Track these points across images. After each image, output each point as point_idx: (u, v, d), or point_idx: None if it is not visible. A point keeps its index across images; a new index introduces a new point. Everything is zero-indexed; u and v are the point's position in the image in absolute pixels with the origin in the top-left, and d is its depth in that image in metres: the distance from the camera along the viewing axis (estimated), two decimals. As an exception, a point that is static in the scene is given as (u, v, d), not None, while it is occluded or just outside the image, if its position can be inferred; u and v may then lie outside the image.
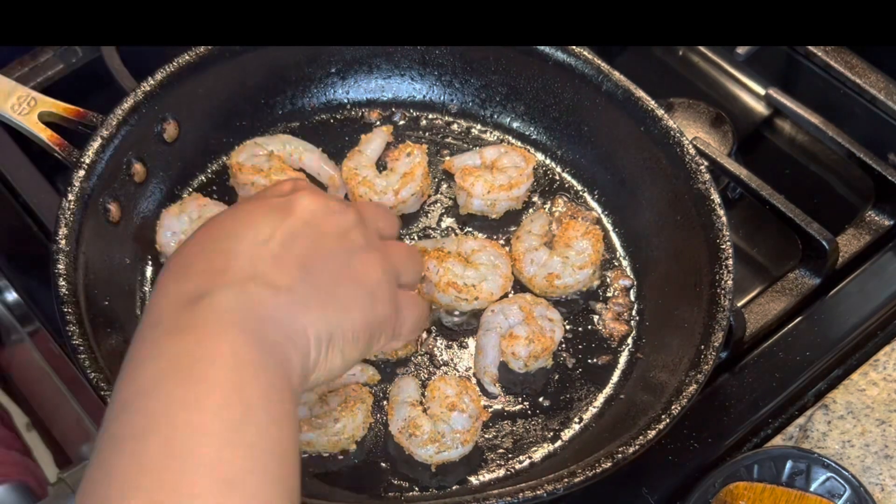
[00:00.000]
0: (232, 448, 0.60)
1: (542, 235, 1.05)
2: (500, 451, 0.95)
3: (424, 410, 0.94)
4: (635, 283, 1.05)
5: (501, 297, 1.02)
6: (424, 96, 1.16)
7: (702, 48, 1.30)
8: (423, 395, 0.96)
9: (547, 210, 1.09)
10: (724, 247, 0.96)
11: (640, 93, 1.06)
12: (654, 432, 0.86)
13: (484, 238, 1.07)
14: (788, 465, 0.91)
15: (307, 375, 0.70)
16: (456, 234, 1.08)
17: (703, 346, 0.91)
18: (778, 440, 0.98)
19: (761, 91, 1.25)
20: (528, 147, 1.13)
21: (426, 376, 0.99)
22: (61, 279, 0.92)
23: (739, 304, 1.06)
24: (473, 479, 0.93)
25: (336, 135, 1.14)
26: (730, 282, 0.94)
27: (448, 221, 1.09)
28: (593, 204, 1.10)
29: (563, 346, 1.01)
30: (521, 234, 1.05)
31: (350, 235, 0.74)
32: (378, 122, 1.15)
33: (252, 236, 0.69)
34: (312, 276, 0.70)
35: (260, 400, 0.63)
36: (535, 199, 1.10)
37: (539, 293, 1.03)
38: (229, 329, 0.64)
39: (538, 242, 1.04)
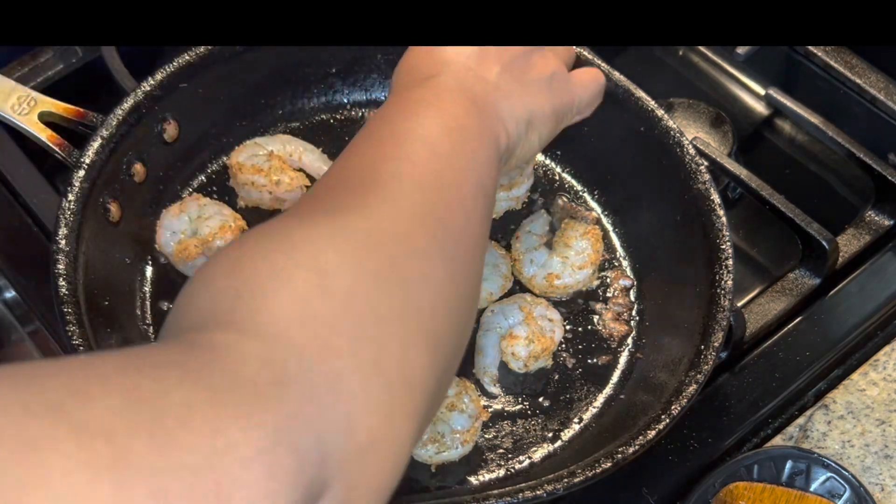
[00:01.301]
0: (445, 135, 0.73)
1: (542, 235, 1.05)
2: (500, 451, 0.95)
3: None
4: (635, 283, 1.05)
5: (501, 297, 1.02)
6: (424, 96, 1.16)
7: (702, 48, 1.30)
8: None
9: (547, 210, 1.09)
10: (724, 247, 0.96)
11: (640, 93, 1.06)
12: (654, 432, 0.86)
13: None
14: (788, 465, 0.91)
15: (511, 152, 0.82)
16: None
17: (703, 346, 0.91)
18: (778, 440, 0.98)
19: (761, 91, 1.25)
20: (528, 147, 1.13)
21: (426, 376, 0.99)
22: (61, 279, 0.92)
23: (739, 304, 1.07)
24: (473, 479, 0.93)
25: (336, 135, 1.14)
26: (730, 282, 0.94)
27: (448, 221, 1.09)
28: (593, 204, 1.11)
29: (563, 346, 1.01)
30: (521, 234, 1.05)
31: None
32: (378, 122, 1.15)
33: (454, 50, 0.84)
34: (508, 71, 0.83)
35: (473, 130, 0.76)
36: (536, 198, 1.10)
37: (539, 293, 1.03)
38: (453, 91, 0.78)
39: (538, 242, 1.04)
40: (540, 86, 0.85)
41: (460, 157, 0.73)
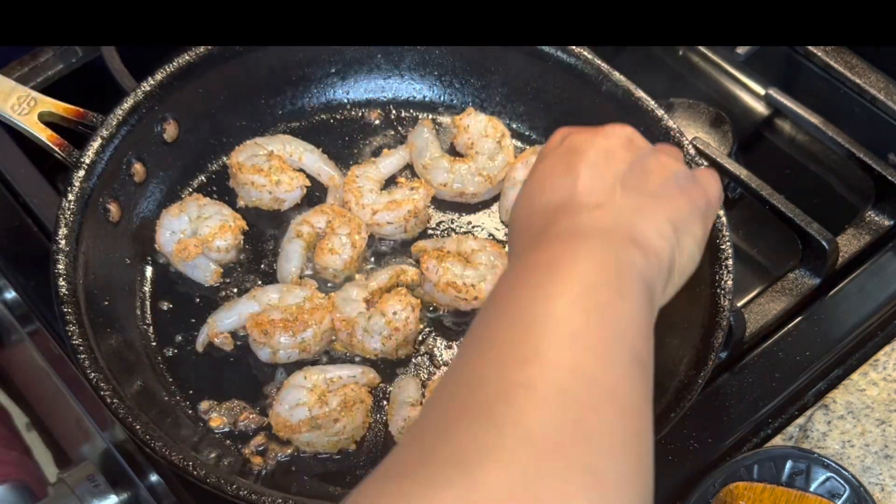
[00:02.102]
0: (580, 311, 0.63)
1: None
2: (500, 451, 0.95)
3: None
4: (635, 283, 1.05)
5: None
6: (424, 96, 1.16)
7: (702, 48, 1.30)
8: (423, 395, 0.96)
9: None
10: (724, 247, 0.96)
11: (640, 93, 1.06)
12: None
13: (484, 238, 1.07)
14: (788, 465, 0.91)
15: (669, 268, 0.73)
16: (455, 234, 1.08)
17: (703, 346, 0.91)
18: (778, 440, 0.98)
19: (761, 91, 1.25)
20: (527, 147, 1.13)
21: (426, 376, 0.99)
22: (61, 279, 0.92)
23: (739, 304, 1.06)
24: (473, 479, 0.93)
25: (336, 135, 1.14)
26: (730, 282, 0.94)
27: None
28: (593, 204, 1.10)
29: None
30: None
31: (634, 142, 0.79)
32: (378, 122, 1.15)
33: (560, 184, 0.75)
34: (628, 187, 0.74)
35: (610, 287, 0.66)
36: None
37: None
38: (566, 242, 0.69)
39: None
40: (670, 189, 0.76)
41: (601, 329, 0.63)
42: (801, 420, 0.99)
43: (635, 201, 0.73)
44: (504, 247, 1.06)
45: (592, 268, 0.66)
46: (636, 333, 0.65)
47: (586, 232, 0.70)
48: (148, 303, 1.02)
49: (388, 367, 0.99)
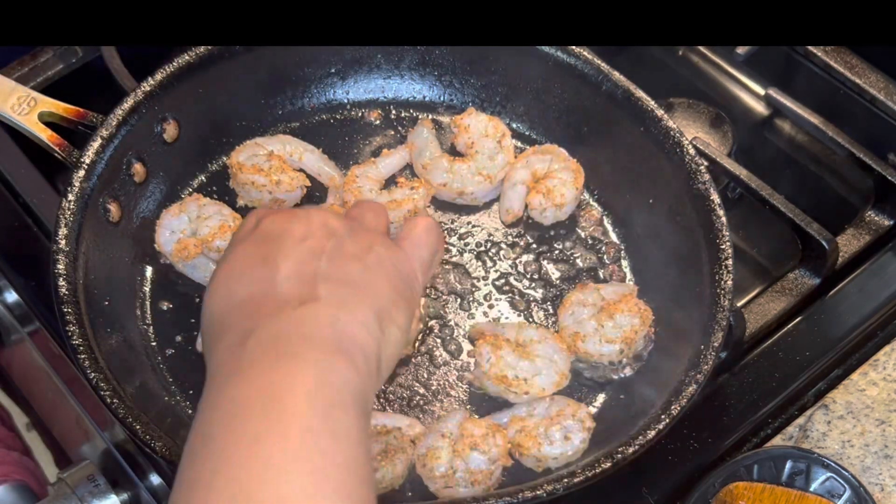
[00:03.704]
0: (297, 472, 0.62)
1: (595, 304, 1.00)
2: (500, 451, 0.95)
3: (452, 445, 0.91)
4: (635, 282, 1.05)
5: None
6: (424, 96, 1.16)
7: (702, 48, 1.30)
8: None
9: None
10: (724, 247, 0.96)
11: (640, 93, 1.06)
12: (653, 432, 0.86)
13: (545, 329, 1.00)
14: (788, 465, 0.91)
15: (377, 361, 0.72)
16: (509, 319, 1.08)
17: (703, 346, 0.91)
18: (778, 440, 0.98)
19: (761, 91, 1.25)
20: (527, 147, 1.13)
21: (426, 377, 0.99)
22: (61, 279, 0.92)
23: (739, 304, 1.07)
24: (473, 479, 0.93)
25: (336, 135, 1.15)
26: (730, 282, 0.94)
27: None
28: (593, 203, 1.11)
29: (563, 346, 1.01)
30: (573, 297, 1.01)
31: (330, 225, 0.77)
32: (378, 122, 1.15)
33: (258, 276, 0.73)
34: (329, 277, 0.73)
35: (316, 420, 0.65)
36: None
37: (566, 346, 0.99)
38: (275, 362, 0.67)
39: (591, 309, 1.00)
40: (371, 274, 0.75)
41: (306, 448, 0.64)
42: (801, 420, 0.99)
43: (338, 294, 0.72)
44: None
45: (306, 407, 0.65)
46: (357, 482, 0.64)
47: (291, 345, 0.68)
48: (148, 303, 1.02)
49: (388, 367, 0.99)
